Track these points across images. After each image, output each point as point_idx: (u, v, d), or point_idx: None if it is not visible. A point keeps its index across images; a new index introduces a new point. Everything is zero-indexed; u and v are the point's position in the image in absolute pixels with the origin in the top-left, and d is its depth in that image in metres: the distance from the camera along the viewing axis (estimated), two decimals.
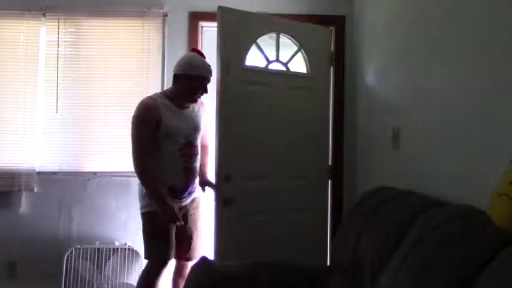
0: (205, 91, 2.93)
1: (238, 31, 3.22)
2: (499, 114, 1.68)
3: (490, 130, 1.74)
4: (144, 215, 2.89)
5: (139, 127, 2.79)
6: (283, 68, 3.47)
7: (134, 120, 2.81)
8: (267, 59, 3.39)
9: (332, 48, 3.75)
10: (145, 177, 2.80)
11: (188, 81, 2.85)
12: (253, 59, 3.35)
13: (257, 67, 3.35)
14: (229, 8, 3.15)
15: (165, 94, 2.94)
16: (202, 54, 2.98)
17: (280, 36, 3.46)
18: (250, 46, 3.30)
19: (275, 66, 3.43)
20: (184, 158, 2.88)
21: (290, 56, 3.52)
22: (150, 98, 2.89)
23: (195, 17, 3.68)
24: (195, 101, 2.95)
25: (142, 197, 2.88)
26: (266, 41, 3.45)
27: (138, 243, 3.51)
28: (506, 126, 1.63)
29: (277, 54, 3.44)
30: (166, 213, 2.78)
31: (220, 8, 3.11)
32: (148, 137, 2.78)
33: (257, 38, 3.35)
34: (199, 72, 2.85)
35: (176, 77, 2.91)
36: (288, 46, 3.57)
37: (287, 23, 3.51)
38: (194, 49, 3.15)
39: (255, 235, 3.34)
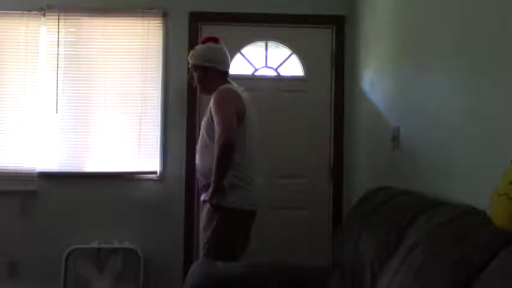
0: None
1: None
2: (499, 114, 1.68)
3: (490, 130, 1.73)
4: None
5: None
6: (274, 73, 3.77)
7: None
8: (253, 66, 3.73)
9: (332, 49, 3.75)
10: None
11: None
12: (241, 67, 3.72)
13: (242, 75, 3.63)
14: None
15: None
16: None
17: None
18: (234, 56, 3.58)
19: (266, 72, 3.76)
20: None
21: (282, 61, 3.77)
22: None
23: (195, 17, 3.67)
24: None
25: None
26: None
27: (138, 243, 3.52)
28: (506, 126, 1.62)
29: (266, 60, 3.76)
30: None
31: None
32: None
33: (241, 48, 3.69)
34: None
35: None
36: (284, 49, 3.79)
37: (276, 29, 3.71)
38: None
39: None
